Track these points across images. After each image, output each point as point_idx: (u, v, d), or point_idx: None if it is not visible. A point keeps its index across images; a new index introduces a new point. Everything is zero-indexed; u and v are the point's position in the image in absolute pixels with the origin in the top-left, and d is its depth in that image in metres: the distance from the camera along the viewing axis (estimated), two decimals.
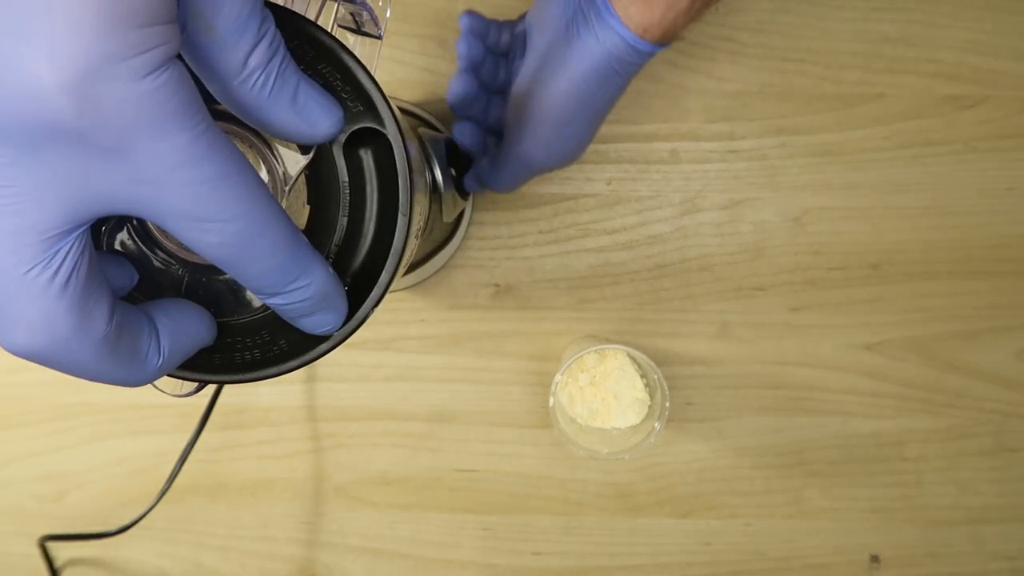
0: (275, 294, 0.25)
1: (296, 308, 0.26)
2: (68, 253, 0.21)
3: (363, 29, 0.33)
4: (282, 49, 0.24)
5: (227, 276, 0.30)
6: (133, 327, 0.24)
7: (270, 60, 0.24)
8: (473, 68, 0.46)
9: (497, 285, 0.55)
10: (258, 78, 0.24)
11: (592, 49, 0.39)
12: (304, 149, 0.29)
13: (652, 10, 0.37)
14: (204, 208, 0.22)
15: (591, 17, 0.39)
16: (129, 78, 0.19)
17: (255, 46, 0.23)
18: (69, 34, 0.18)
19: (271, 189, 0.29)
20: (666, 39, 0.39)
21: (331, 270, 0.26)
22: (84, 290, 0.22)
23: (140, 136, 0.20)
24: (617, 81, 0.41)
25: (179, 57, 0.21)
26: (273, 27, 0.24)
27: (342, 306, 0.28)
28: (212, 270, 0.30)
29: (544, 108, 0.42)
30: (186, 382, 0.31)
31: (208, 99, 0.23)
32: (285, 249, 0.24)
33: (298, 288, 0.25)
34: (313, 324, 0.27)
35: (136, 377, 0.25)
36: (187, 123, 0.21)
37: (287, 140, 0.28)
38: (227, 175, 0.22)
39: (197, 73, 0.23)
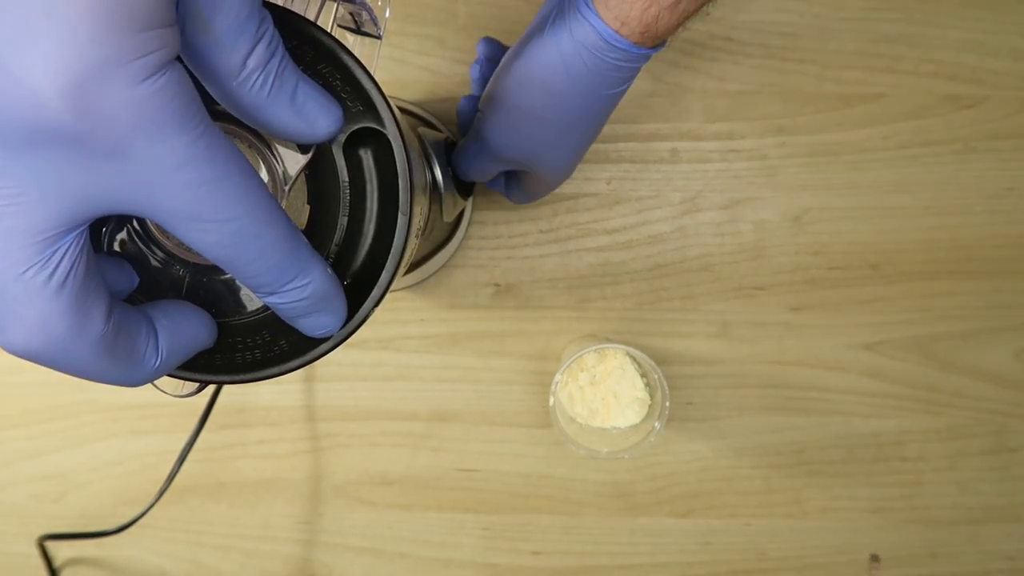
0: (273, 293, 0.25)
1: (294, 308, 0.26)
2: (65, 254, 0.21)
3: (362, 29, 0.33)
4: (280, 49, 0.24)
5: (228, 276, 0.30)
6: (131, 327, 0.24)
7: (268, 61, 0.24)
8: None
9: (497, 285, 0.55)
10: (257, 79, 0.24)
11: (561, 38, 0.37)
12: (304, 149, 0.29)
13: (632, 3, 0.35)
14: (202, 209, 0.22)
15: (567, 6, 0.37)
16: (127, 82, 0.19)
17: (253, 47, 0.23)
18: (67, 39, 0.18)
19: (271, 189, 0.29)
20: (646, 38, 0.36)
21: (330, 271, 0.26)
22: (81, 290, 0.22)
23: (138, 140, 0.20)
24: (589, 81, 0.37)
25: (178, 59, 0.21)
26: (271, 28, 0.24)
27: (341, 309, 0.27)
28: (213, 270, 0.30)
29: (506, 89, 0.40)
30: (187, 382, 0.31)
31: (207, 99, 0.23)
32: (283, 249, 0.24)
33: (296, 287, 0.25)
34: (311, 325, 0.27)
35: (134, 377, 0.25)
36: (186, 126, 0.21)
37: (287, 140, 0.28)
38: (226, 176, 0.22)
39: (196, 74, 0.23)
